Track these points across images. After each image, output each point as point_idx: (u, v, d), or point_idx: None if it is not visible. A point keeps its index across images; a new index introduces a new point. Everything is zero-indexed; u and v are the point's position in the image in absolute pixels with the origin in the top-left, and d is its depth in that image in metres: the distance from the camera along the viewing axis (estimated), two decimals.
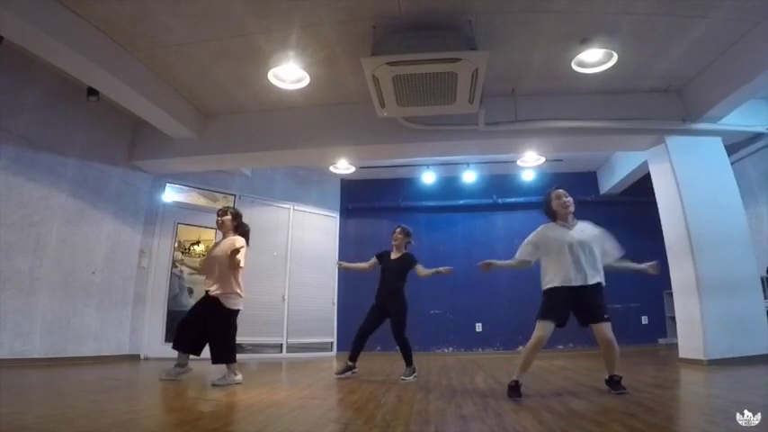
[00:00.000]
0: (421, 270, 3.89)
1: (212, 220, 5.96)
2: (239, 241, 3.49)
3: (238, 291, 3.46)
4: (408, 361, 3.74)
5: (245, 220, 3.79)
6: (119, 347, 4.95)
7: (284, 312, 6.34)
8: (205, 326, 3.41)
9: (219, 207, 3.81)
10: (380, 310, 3.90)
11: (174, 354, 3.47)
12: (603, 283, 2.69)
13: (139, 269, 5.34)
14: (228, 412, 2.32)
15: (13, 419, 1.91)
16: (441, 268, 3.75)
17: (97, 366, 4.25)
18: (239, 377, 3.33)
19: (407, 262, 3.95)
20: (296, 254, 6.67)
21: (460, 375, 3.82)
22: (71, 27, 3.40)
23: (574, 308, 2.67)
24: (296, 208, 6.89)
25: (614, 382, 2.61)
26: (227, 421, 2.12)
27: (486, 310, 6.81)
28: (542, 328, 2.63)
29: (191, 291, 6.04)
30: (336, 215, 7.39)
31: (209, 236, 6.10)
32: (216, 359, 3.36)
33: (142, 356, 5.18)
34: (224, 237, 3.64)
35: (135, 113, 4.70)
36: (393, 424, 1.95)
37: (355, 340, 3.89)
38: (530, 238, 2.89)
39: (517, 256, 2.90)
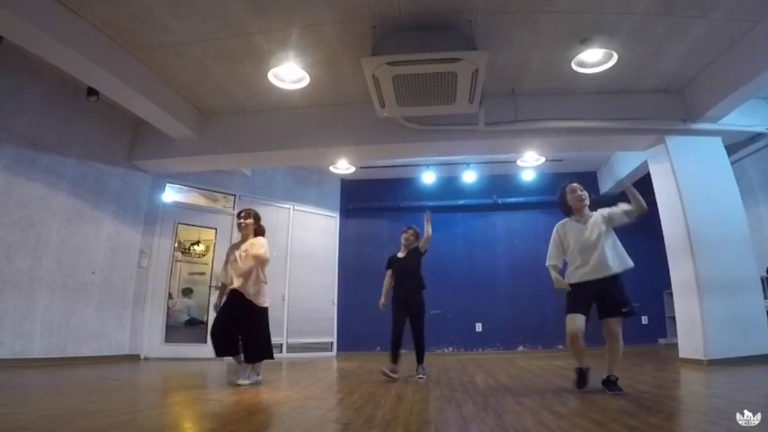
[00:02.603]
0: (424, 243, 3.99)
1: (212, 219, 6.07)
2: (258, 243, 3.49)
3: (265, 283, 3.49)
4: (422, 359, 3.82)
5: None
6: (119, 347, 4.95)
7: (284, 312, 6.34)
8: (237, 326, 3.40)
9: (242, 209, 3.74)
10: (404, 309, 3.90)
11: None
12: (626, 268, 2.72)
13: (139, 269, 5.34)
14: (228, 412, 2.32)
15: (13, 419, 1.91)
16: (425, 221, 3.92)
17: (97, 366, 4.25)
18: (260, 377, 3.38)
19: (415, 254, 4.02)
20: (296, 254, 6.67)
21: (460, 375, 3.82)
22: (71, 27, 3.39)
23: (597, 299, 2.71)
24: (296, 208, 6.89)
25: (611, 383, 2.61)
26: (227, 421, 2.11)
27: (486, 310, 6.81)
28: (571, 322, 2.68)
29: (190, 291, 6.05)
30: (336, 215, 7.39)
31: (209, 236, 6.11)
32: (254, 357, 3.36)
33: (142, 356, 5.17)
34: (244, 239, 3.60)
35: (135, 113, 4.70)
36: (393, 424, 1.95)
37: (393, 345, 3.82)
38: (552, 240, 2.93)
39: (549, 263, 2.90)
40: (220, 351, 3.41)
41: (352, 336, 6.76)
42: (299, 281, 6.58)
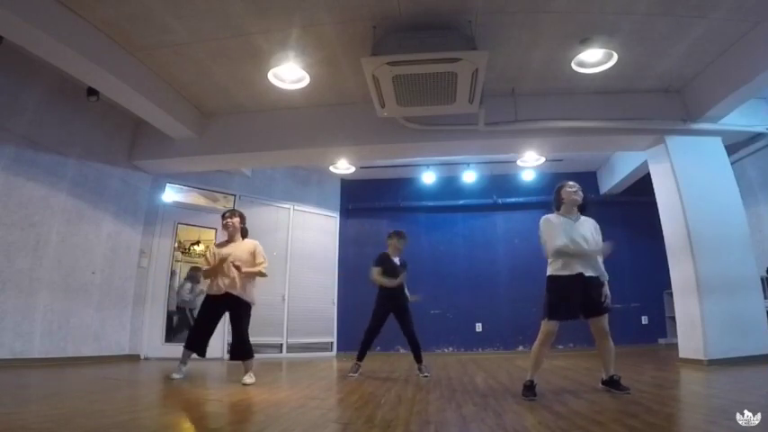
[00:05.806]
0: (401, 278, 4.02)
1: (212, 220, 6.04)
2: (259, 252, 3.54)
3: (254, 289, 3.57)
4: (420, 358, 3.88)
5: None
6: (119, 347, 4.95)
7: (284, 312, 6.34)
8: (214, 326, 3.50)
9: (226, 209, 3.80)
10: (390, 310, 3.97)
11: (174, 354, 3.49)
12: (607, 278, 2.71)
13: (139, 269, 5.34)
14: (228, 412, 2.32)
15: (13, 419, 1.91)
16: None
17: (97, 366, 4.25)
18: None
19: (405, 269, 4.11)
20: (296, 254, 6.67)
21: (460, 375, 3.82)
22: (71, 27, 3.39)
23: (579, 298, 2.62)
24: (296, 208, 6.89)
25: (615, 382, 2.60)
26: (227, 421, 2.12)
27: (486, 310, 6.81)
28: (549, 325, 2.64)
29: (191, 288, 6.04)
30: (336, 215, 7.39)
31: (209, 236, 6.10)
32: (238, 355, 3.42)
33: (142, 356, 5.17)
34: (230, 239, 3.61)
35: (135, 113, 4.70)
36: (393, 424, 1.95)
37: (364, 343, 3.94)
38: (544, 232, 2.76)
39: (557, 244, 2.69)
40: (191, 345, 3.48)
41: (352, 336, 6.73)
42: (299, 281, 6.58)
